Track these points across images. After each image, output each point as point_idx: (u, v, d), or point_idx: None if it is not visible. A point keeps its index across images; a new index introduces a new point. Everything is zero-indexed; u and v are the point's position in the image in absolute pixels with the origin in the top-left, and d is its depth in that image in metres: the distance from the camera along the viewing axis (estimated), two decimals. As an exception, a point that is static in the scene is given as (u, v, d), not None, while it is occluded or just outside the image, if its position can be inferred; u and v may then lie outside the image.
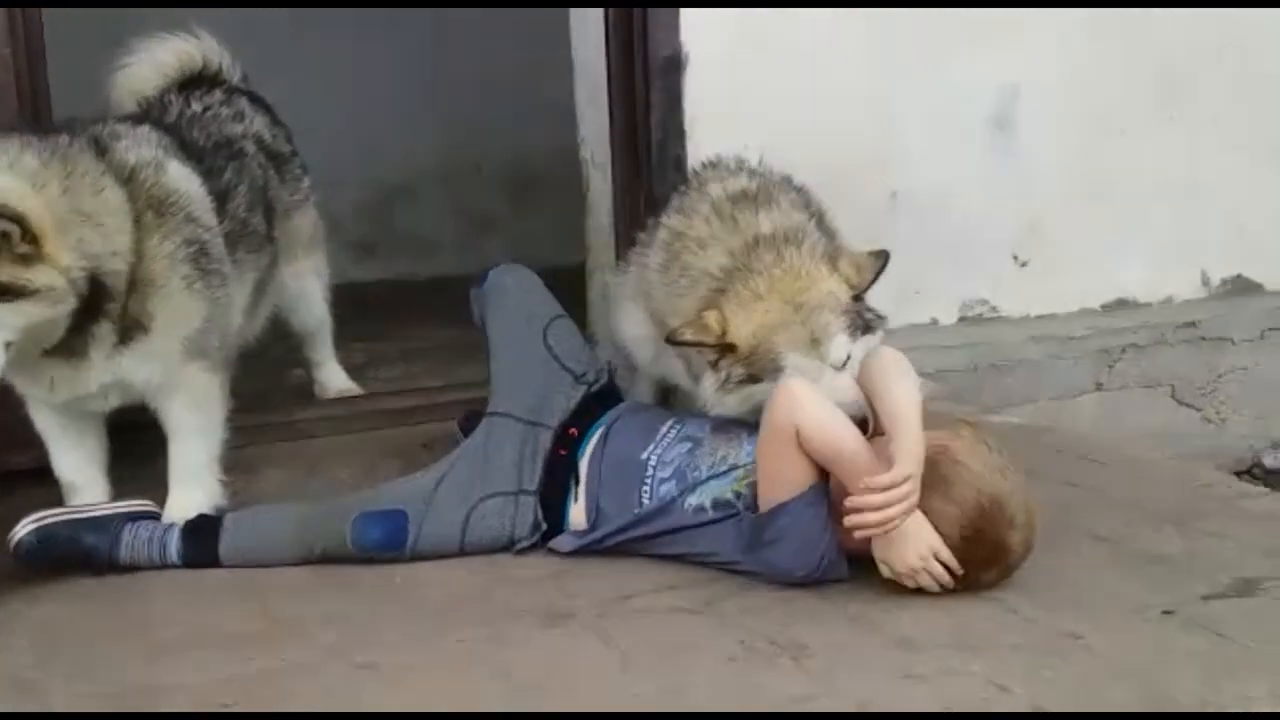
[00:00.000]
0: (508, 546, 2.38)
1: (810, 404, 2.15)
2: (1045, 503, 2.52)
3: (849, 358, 2.35)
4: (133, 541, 2.38)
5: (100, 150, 2.41)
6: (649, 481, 2.32)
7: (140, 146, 2.49)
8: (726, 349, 2.36)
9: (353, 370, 3.57)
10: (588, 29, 3.27)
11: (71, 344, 2.31)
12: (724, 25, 3.21)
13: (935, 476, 2.08)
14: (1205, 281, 3.81)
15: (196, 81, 3.05)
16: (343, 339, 3.55)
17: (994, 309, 3.63)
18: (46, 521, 2.37)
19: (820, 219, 2.63)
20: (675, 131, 3.18)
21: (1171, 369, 3.66)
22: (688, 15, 3.15)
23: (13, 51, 2.66)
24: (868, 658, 1.91)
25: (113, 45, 3.11)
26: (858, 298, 2.41)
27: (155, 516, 2.46)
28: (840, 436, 2.13)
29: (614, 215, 3.29)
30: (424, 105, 5.52)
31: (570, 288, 3.52)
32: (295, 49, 4.92)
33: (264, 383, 3.41)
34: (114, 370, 2.40)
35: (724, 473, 2.29)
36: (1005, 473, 2.11)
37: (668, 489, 2.31)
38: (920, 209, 3.44)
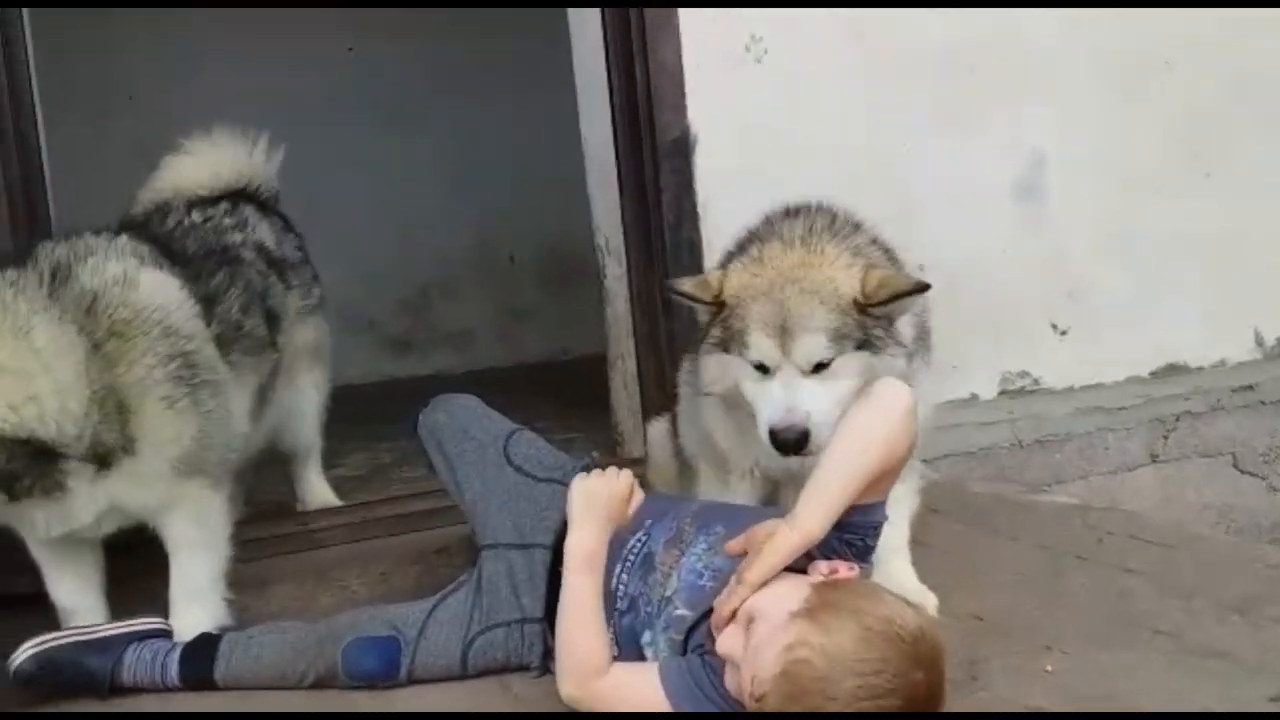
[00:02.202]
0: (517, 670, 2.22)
1: None
2: (1101, 592, 2.40)
3: (825, 366, 2.09)
4: (135, 664, 2.29)
5: (62, 278, 2.31)
6: (614, 615, 2.08)
7: (110, 262, 2.38)
8: (720, 308, 2.17)
9: (378, 471, 3.49)
10: (595, 112, 3.21)
11: (43, 484, 2.22)
12: (733, 104, 3.13)
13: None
14: (1259, 342, 3.62)
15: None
16: (369, 439, 3.47)
17: (1036, 381, 3.46)
18: (47, 646, 2.29)
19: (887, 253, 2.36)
20: (688, 214, 3.09)
21: (1231, 436, 3.49)
22: (694, 95, 3.08)
23: (4, 173, 2.65)
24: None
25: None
26: (863, 310, 2.12)
27: (165, 634, 2.37)
28: None
29: (629, 302, 3.19)
30: (456, 199, 5.55)
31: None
32: (327, 148, 4.93)
33: (280, 493, 3.33)
34: (103, 497, 2.31)
35: (660, 611, 2.03)
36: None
37: (628, 622, 2.08)
38: (950, 281, 3.25)
